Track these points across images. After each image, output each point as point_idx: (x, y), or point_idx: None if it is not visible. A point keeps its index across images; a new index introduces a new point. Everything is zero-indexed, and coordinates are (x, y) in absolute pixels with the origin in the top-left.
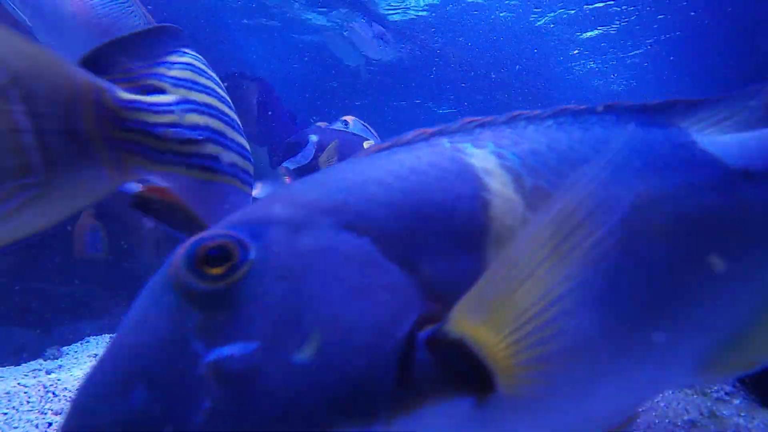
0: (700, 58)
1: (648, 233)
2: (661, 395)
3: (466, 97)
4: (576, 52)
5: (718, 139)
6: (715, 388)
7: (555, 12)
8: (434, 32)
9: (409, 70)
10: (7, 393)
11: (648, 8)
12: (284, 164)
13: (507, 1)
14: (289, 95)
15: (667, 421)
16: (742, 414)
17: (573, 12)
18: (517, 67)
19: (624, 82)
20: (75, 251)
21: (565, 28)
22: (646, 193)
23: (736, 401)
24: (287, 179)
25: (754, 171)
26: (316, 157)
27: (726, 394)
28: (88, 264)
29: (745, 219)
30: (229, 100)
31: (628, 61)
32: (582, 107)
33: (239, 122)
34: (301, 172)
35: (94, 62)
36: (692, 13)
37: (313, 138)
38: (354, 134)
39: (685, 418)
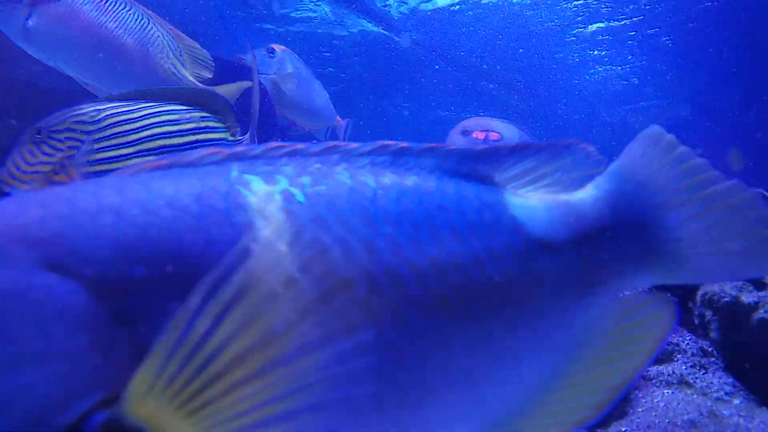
0: (702, 57)
1: (428, 303)
2: (660, 395)
3: (463, 97)
4: (572, 40)
5: (528, 200)
6: (715, 388)
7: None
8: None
9: (408, 70)
10: None
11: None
12: None
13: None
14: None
15: (667, 421)
16: (742, 414)
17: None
18: (521, 49)
19: (623, 80)
20: None
21: (564, 20)
22: (436, 258)
23: (736, 401)
24: None
25: (553, 241)
26: None
27: (726, 394)
28: None
29: (534, 294)
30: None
31: (630, 58)
32: (403, 146)
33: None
34: None
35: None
36: (697, 6)
37: None
38: None
39: (685, 418)
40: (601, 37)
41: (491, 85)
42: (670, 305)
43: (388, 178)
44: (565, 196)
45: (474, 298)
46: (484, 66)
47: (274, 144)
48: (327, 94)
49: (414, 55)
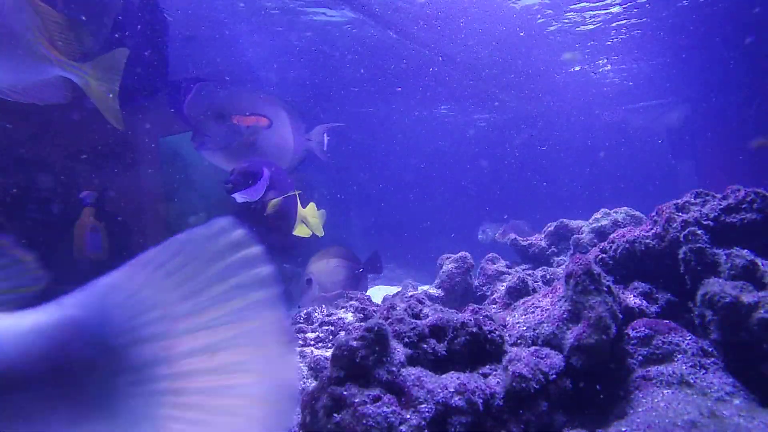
0: (702, 54)
1: None
2: (661, 395)
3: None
4: (572, 39)
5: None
6: (716, 388)
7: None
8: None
9: (407, 71)
10: None
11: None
12: (236, 194)
13: None
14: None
15: (667, 421)
16: (743, 414)
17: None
18: (522, 49)
19: (623, 80)
20: (75, 251)
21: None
22: None
23: (736, 401)
24: None
25: None
26: (265, 195)
27: (726, 394)
28: (89, 264)
29: None
30: None
31: (633, 63)
32: None
33: None
34: (248, 209)
35: None
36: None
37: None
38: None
39: (685, 418)
40: (596, 34)
41: (488, 85)
42: None
43: None
44: (36, 323)
45: None
46: (484, 71)
47: None
48: None
49: (405, 50)
